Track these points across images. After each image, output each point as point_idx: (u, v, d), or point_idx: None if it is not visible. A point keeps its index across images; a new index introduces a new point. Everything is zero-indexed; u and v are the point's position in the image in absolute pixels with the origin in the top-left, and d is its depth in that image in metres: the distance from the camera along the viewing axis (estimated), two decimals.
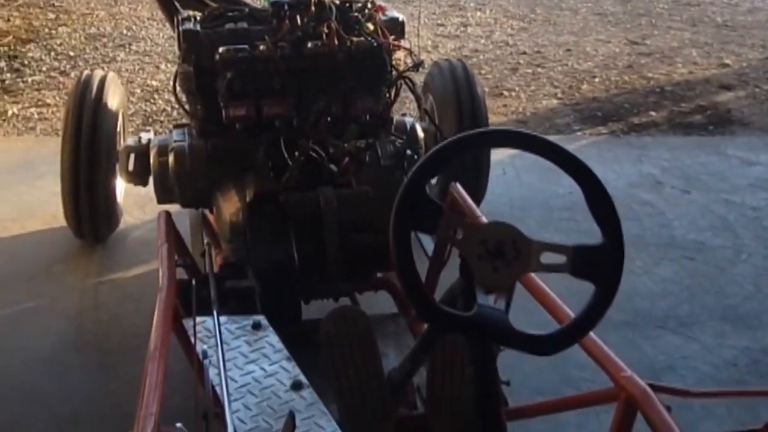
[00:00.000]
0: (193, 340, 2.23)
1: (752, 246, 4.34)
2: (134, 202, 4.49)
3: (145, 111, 5.93)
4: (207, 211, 3.76)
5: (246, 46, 3.19)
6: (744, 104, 6.37)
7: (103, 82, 4.16)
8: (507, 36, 7.85)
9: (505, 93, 6.41)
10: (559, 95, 6.42)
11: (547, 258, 2.00)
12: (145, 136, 4.21)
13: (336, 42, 3.19)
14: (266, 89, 3.20)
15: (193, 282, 2.62)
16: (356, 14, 3.31)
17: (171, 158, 3.41)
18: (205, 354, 2.22)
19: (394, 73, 3.29)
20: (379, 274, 3.48)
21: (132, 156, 4.15)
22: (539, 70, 6.92)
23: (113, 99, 4.16)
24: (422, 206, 1.95)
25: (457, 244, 1.98)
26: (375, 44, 3.24)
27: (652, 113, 6.14)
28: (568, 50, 7.53)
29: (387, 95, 3.32)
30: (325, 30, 3.20)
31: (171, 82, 3.53)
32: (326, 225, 3.20)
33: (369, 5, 3.37)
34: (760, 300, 3.88)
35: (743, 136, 5.69)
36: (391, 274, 3.50)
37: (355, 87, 3.23)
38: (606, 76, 6.89)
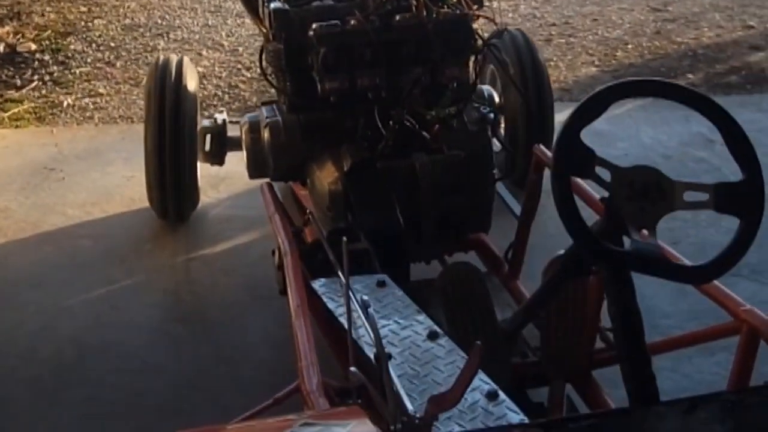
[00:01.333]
0: (346, 297, 2.35)
1: None
2: (207, 182, 4.63)
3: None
4: (294, 185, 3.91)
5: (337, 22, 3.32)
6: None
7: (180, 65, 4.30)
8: (532, 9, 7.97)
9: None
10: (597, 63, 6.56)
11: (689, 196, 2.15)
12: (219, 117, 4.36)
13: (425, 13, 3.33)
14: (359, 62, 3.33)
15: (326, 241, 2.77)
16: None
17: (266, 133, 3.56)
18: (366, 304, 2.35)
19: (479, 41, 3.44)
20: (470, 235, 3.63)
21: (208, 137, 4.30)
22: (572, 39, 7.06)
23: (191, 82, 4.30)
24: (578, 152, 2.10)
25: (606, 186, 2.12)
26: (461, 14, 3.38)
27: (690, 75, 6.30)
28: (595, 20, 7.65)
29: (474, 63, 3.47)
30: (414, 2, 3.33)
31: (257, 60, 3.65)
32: (423, 189, 3.36)
33: None
34: None
35: None
36: (481, 234, 3.66)
37: (444, 56, 3.37)
38: (638, 42, 7.02)
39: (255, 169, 3.73)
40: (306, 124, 3.53)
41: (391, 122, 3.37)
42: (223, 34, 7.32)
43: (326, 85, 3.35)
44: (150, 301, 3.84)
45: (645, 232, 2.11)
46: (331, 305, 2.75)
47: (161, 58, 4.38)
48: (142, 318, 3.73)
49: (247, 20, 7.54)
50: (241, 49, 6.96)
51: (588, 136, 4.53)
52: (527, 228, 3.51)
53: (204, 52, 6.92)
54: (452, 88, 3.45)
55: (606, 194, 2.21)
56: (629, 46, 6.93)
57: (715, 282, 2.56)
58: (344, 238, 2.35)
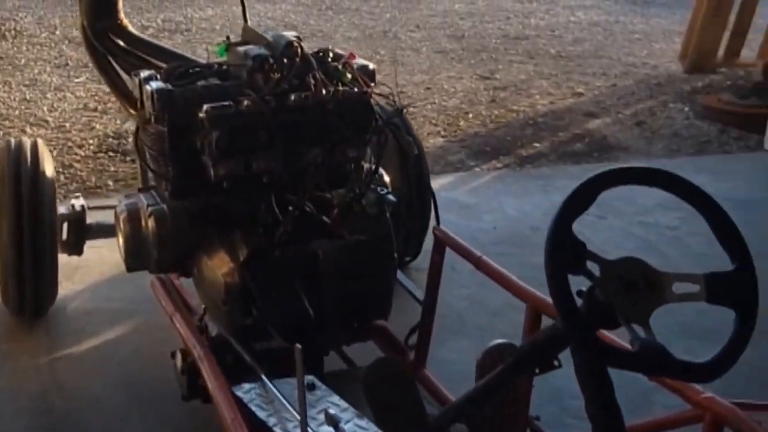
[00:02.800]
0: (302, 407, 2.14)
1: (683, 263, 4.53)
2: (60, 273, 4.27)
3: None
4: (173, 276, 3.66)
5: (230, 103, 3.12)
6: (615, 130, 6.67)
7: (35, 148, 3.97)
8: None
9: None
10: (443, 133, 6.54)
11: (679, 288, 2.05)
12: (77, 203, 4.06)
13: (323, 92, 3.17)
14: (254, 145, 3.14)
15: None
16: (335, 64, 3.29)
17: (150, 222, 3.29)
18: (336, 419, 2.14)
19: (379, 120, 3.29)
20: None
21: (66, 225, 3.99)
22: (412, 109, 7.03)
23: (48, 166, 3.98)
24: (571, 246, 1.97)
25: (596, 280, 2.00)
26: (361, 92, 3.23)
27: (536, 144, 6.34)
28: (428, 88, 7.68)
29: (375, 143, 3.32)
30: (312, 81, 3.16)
31: (132, 143, 3.39)
32: (324, 277, 3.18)
33: (343, 55, 3.36)
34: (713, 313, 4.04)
35: (630, 159, 5.94)
36: (381, 321, 3.50)
37: (345, 136, 3.21)
38: (476, 111, 7.06)
39: (134, 260, 3.44)
40: (194, 210, 3.28)
41: (290, 207, 3.18)
42: (45, 109, 6.94)
43: (220, 169, 3.13)
44: (14, 410, 3.47)
45: (639, 327, 1.99)
46: (261, 414, 2.53)
47: (12, 141, 4.03)
48: (6, 430, 3.37)
49: (68, 94, 7.20)
50: (68, 125, 6.61)
51: (454, 209, 4.46)
52: (432, 312, 3.37)
53: (28, 129, 6.52)
54: (353, 170, 3.29)
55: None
56: (470, 115, 6.96)
57: None
58: (298, 345, 2.13)
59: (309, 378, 2.67)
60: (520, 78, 8.12)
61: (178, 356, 3.02)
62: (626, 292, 1.99)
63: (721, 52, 8.43)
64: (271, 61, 3.16)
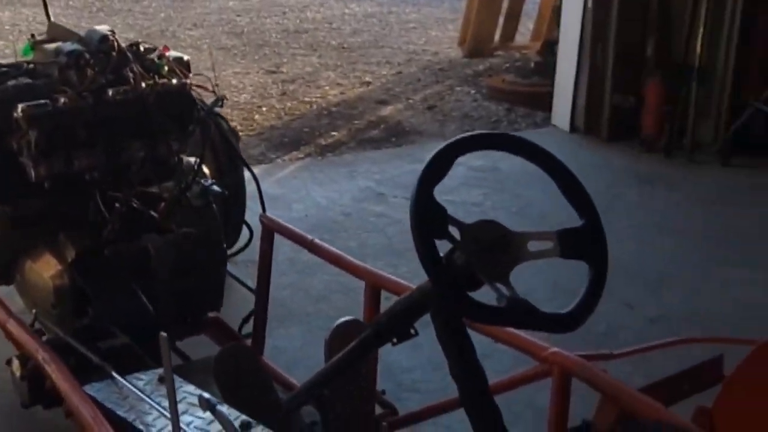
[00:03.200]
0: (172, 397, 2.11)
1: None
2: None
3: None
4: None
5: (47, 101, 3.03)
6: (408, 115, 6.81)
7: None
8: None
9: None
10: (239, 127, 6.50)
11: (534, 246, 2.13)
12: None
13: (143, 85, 3.12)
14: (74, 142, 3.06)
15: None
16: (151, 57, 3.25)
17: None
18: (212, 402, 2.12)
19: (201, 111, 3.27)
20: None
21: None
22: None
23: None
24: (433, 212, 2.02)
25: (457, 243, 2.05)
26: (180, 83, 3.20)
27: (334, 133, 6.40)
28: (217, 85, 7.59)
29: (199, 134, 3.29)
30: (130, 74, 3.11)
31: None
32: (157, 272, 3.14)
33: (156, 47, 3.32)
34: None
35: (428, 143, 6.08)
36: (214, 314, 3.48)
37: (167, 128, 3.17)
38: (269, 104, 7.06)
39: None
40: (15, 215, 3.17)
41: (116, 204, 3.12)
42: None
43: (40, 170, 3.02)
44: None
45: (501, 285, 2.05)
46: (118, 411, 2.48)
47: None
48: None
49: None
50: None
51: (266, 201, 4.43)
52: (265, 300, 3.37)
53: None
54: (177, 163, 3.25)
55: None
56: (263, 109, 6.95)
57: (511, 330, 2.58)
58: (163, 333, 2.10)
59: (158, 371, 2.64)
60: (306, 70, 8.17)
61: (15, 363, 2.91)
62: (486, 253, 2.05)
63: (496, 36, 8.73)
64: (87, 56, 3.08)
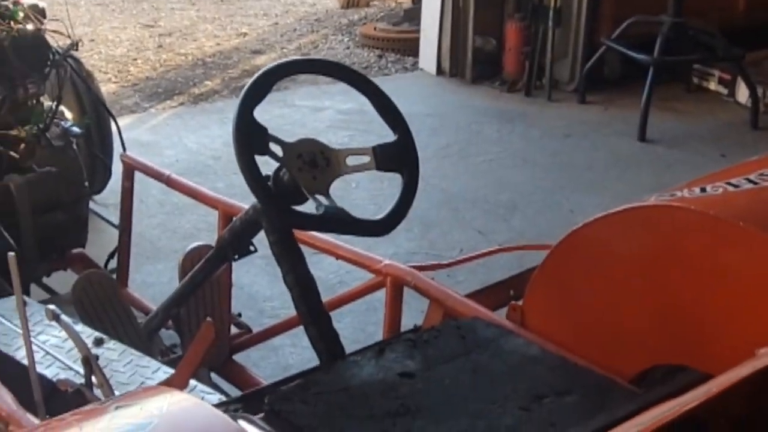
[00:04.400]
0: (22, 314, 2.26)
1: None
2: None
3: None
4: None
5: None
6: None
7: None
8: None
9: None
10: (114, 79, 6.59)
11: (352, 160, 2.33)
12: None
13: None
14: None
15: None
16: (5, 3, 3.36)
17: None
18: (55, 313, 2.27)
19: (56, 55, 3.39)
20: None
21: None
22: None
23: None
24: (254, 131, 2.20)
25: (279, 160, 2.24)
26: (35, 29, 3.32)
27: (208, 83, 6.53)
28: (92, 40, 7.66)
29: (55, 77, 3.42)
30: None
31: None
32: (20, 210, 3.27)
33: None
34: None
35: (299, 88, 6.25)
36: (79, 250, 3.62)
37: (24, 73, 3.30)
38: (145, 57, 7.15)
39: None
40: None
41: None
42: None
43: None
44: None
45: (321, 197, 2.24)
46: None
47: None
48: None
49: None
50: None
51: (135, 148, 4.57)
52: (128, 235, 3.52)
53: None
54: (35, 105, 3.38)
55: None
56: (138, 62, 7.03)
57: (346, 246, 2.78)
58: (11, 253, 2.25)
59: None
60: (184, 24, 8.24)
61: None
62: (307, 169, 2.25)
63: None
64: None
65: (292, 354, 3.48)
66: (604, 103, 5.93)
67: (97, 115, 4.33)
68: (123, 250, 3.53)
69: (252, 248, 2.58)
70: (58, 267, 3.55)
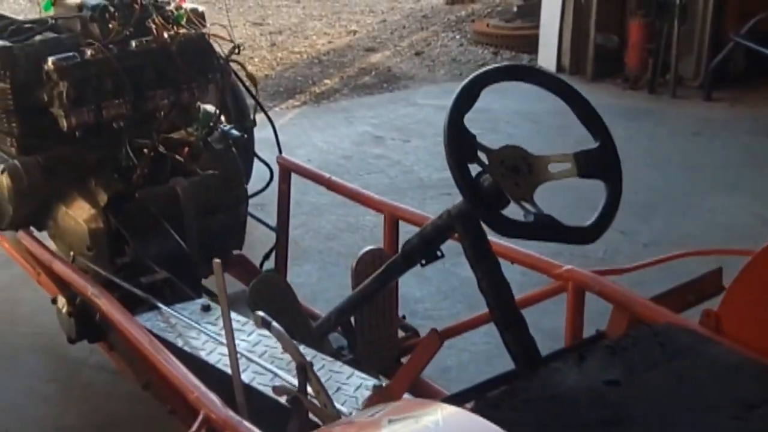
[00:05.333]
0: (227, 321, 2.30)
1: None
2: None
3: None
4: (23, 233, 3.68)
5: (74, 54, 3.19)
6: (396, 61, 6.97)
7: None
8: None
9: None
10: None
11: (554, 167, 2.33)
12: None
13: (165, 36, 3.29)
14: (103, 92, 3.23)
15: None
16: (169, 9, 3.41)
17: (5, 179, 3.32)
18: (267, 320, 2.31)
19: (220, 59, 3.44)
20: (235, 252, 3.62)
21: None
22: None
23: None
24: (464, 138, 2.21)
25: (486, 167, 2.25)
26: (199, 33, 3.37)
27: (327, 81, 6.57)
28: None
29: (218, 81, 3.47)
30: (152, 26, 3.28)
31: None
32: (185, 212, 3.32)
33: None
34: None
35: (419, 87, 6.27)
36: (238, 252, 3.67)
37: (190, 77, 3.35)
38: (260, 55, 7.22)
39: None
40: (47, 163, 3.34)
41: (144, 150, 3.30)
42: None
43: (72, 120, 3.19)
44: None
45: (527, 204, 2.25)
46: (168, 337, 2.68)
47: None
48: None
49: None
50: None
51: (267, 147, 4.59)
52: (286, 236, 3.57)
53: None
54: (197, 109, 3.44)
55: None
56: (255, 60, 7.10)
57: (524, 251, 2.78)
58: (217, 260, 2.29)
59: (202, 301, 2.84)
60: (292, 21, 8.31)
61: (61, 301, 3.10)
62: (510, 175, 2.25)
63: None
64: (111, 9, 3.24)
65: (449, 356, 3.49)
66: (730, 100, 5.85)
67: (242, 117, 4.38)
68: (280, 251, 3.58)
69: (439, 253, 2.59)
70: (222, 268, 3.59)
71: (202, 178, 3.39)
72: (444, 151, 2.19)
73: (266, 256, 3.65)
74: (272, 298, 2.96)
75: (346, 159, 5.17)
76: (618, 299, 2.51)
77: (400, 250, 2.67)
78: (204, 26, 3.42)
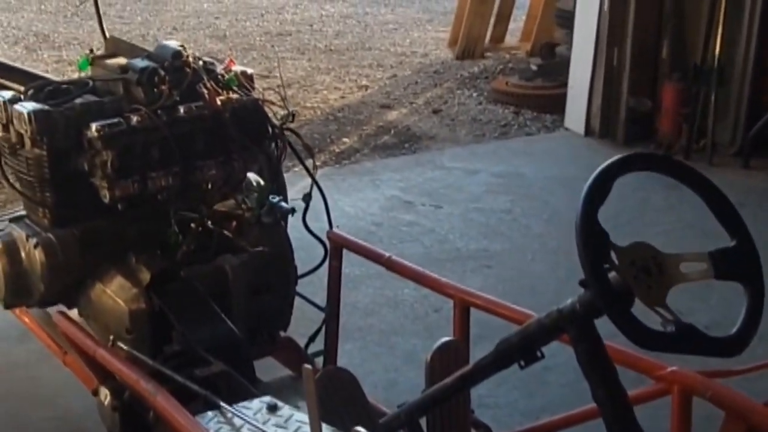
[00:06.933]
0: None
1: (528, 245, 4.66)
2: None
3: None
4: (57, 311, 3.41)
5: (119, 119, 2.95)
6: (415, 120, 6.76)
7: None
8: None
9: None
10: None
11: (686, 267, 2.09)
12: None
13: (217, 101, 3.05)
14: (150, 162, 2.98)
15: None
16: (220, 72, 3.18)
17: (37, 253, 3.04)
18: None
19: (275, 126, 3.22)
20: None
21: None
22: None
23: None
24: (597, 236, 1.98)
25: (616, 269, 2.01)
26: (253, 98, 3.14)
27: (345, 140, 6.34)
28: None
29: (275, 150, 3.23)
30: (204, 90, 3.04)
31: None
32: (234, 292, 3.08)
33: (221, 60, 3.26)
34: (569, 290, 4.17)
35: (443, 148, 6.05)
36: (285, 334, 3.41)
37: (243, 145, 3.11)
38: (273, 110, 6.97)
39: (14, 296, 3.18)
40: (83, 237, 3.07)
41: (192, 224, 3.05)
42: None
43: (116, 191, 2.94)
44: None
45: (664, 311, 2.02)
46: None
47: None
48: None
49: None
50: None
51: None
52: (336, 319, 3.32)
53: None
54: (248, 180, 3.19)
55: None
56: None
57: (622, 348, 2.54)
58: (308, 366, 2.02)
59: (266, 399, 2.57)
60: (299, 74, 8.09)
61: (104, 392, 2.82)
62: (643, 277, 2.02)
63: (487, 37, 8.71)
64: (162, 72, 3.00)
65: None
66: None
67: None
68: (331, 334, 3.33)
69: (539, 354, 2.35)
70: (268, 352, 3.33)
71: (252, 255, 3.14)
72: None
73: (312, 338, 3.40)
74: (337, 392, 2.72)
75: (377, 226, 4.93)
76: (731, 406, 2.28)
77: (495, 347, 2.42)
78: (254, 90, 3.19)
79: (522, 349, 2.32)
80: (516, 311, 2.82)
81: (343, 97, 7.35)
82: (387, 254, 3.15)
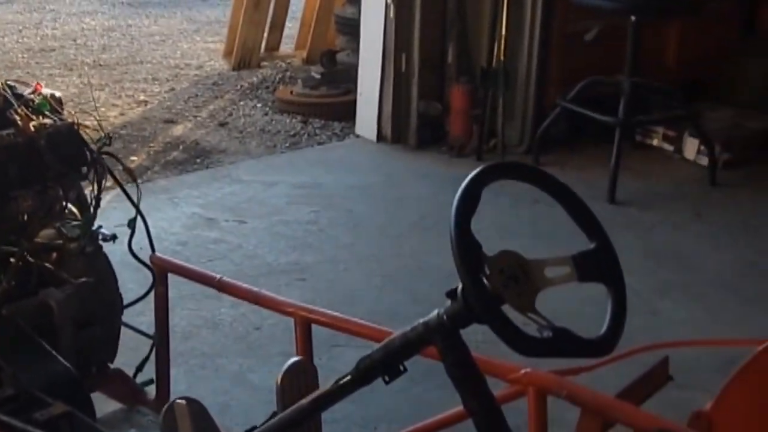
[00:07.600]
0: None
1: (339, 255, 4.64)
2: None
3: None
4: None
5: None
6: (202, 134, 6.61)
7: None
8: None
9: None
10: None
11: (550, 272, 2.10)
12: None
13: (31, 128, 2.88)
14: None
15: None
16: (30, 96, 3.01)
17: None
18: None
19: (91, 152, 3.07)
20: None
21: None
22: None
23: None
24: (471, 248, 1.97)
25: (489, 278, 2.00)
26: (68, 123, 2.99)
27: (134, 158, 6.13)
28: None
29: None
30: (17, 117, 2.87)
31: None
32: (59, 327, 2.92)
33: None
34: (387, 297, 4.19)
35: (237, 161, 5.94)
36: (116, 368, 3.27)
37: (60, 173, 2.95)
38: None
39: None
40: None
41: (10, 259, 2.87)
42: None
43: None
44: None
45: (536, 317, 2.02)
46: None
47: None
48: None
49: None
50: None
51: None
52: (166, 346, 3.21)
53: None
54: (63, 209, 3.03)
55: None
56: None
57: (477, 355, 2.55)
58: (180, 401, 1.92)
59: None
60: (72, 92, 7.78)
61: None
62: (512, 285, 2.02)
63: (262, 46, 8.63)
64: None
65: None
66: (559, 164, 5.81)
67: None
68: (162, 362, 3.21)
69: (402, 368, 2.32)
70: (98, 386, 3.16)
71: (76, 287, 2.98)
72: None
73: (139, 368, 3.27)
74: (186, 426, 2.61)
75: (182, 245, 4.78)
76: (588, 402, 2.34)
77: (356, 365, 2.37)
78: (63, 114, 3.04)
79: (386, 365, 2.28)
80: (357, 324, 2.80)
81: (122, 114, 7.11)
82: (218, 276, 3.06)
